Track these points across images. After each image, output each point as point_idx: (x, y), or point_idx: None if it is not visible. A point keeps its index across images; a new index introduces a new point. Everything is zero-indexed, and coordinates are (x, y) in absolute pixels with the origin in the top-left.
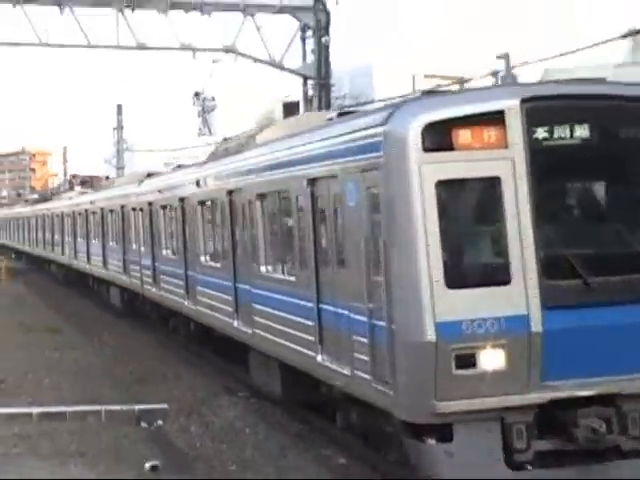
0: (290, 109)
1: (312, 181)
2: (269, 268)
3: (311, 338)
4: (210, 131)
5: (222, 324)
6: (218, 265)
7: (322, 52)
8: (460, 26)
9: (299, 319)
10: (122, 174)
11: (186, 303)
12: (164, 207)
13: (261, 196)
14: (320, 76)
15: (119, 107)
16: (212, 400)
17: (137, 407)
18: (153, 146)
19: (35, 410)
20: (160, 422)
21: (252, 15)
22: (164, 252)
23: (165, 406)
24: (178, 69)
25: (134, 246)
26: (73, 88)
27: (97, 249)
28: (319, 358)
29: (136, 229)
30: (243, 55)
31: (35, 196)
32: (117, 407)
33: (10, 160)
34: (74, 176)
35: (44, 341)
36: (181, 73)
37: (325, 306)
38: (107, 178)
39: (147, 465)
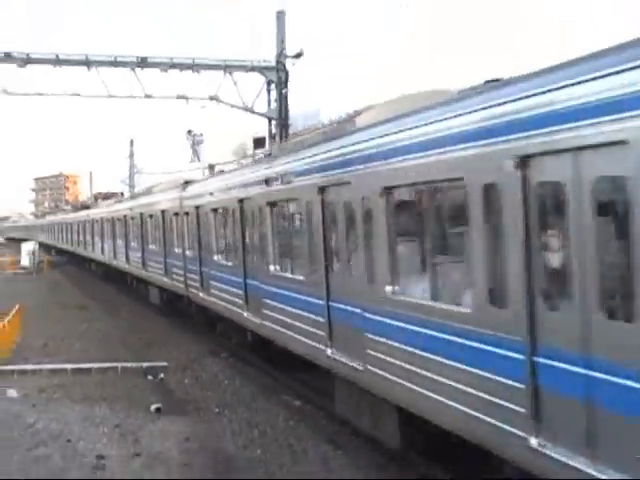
0: (258, 142)
1: (526, 159)
2: (397, 289)
3: (514, 407)
4: (199, 159)
5: (304, 348)
6: (300, 278)
7: (282, 100)
8: (395, 75)
9: (478, 371)
10: (133, 191)
11: (245, 314)
12: (215, 210)
13: (388, 190)
14: (281, 118)
15: (131, 141)
16: (201, 359)
17: (144, 364)
18: (156, 170)
19: (69, 366)
20: (162, 375)
21: (230, 73)
22: (215, 257)
23: (165, 364)
24: (175, 112)
25: (176, 249)
26: (97, 126)
27: (136, 251)
28: (534, 442)
29: (179, 233)
30: (224, 102)
31: (69, 207)
32: (130, 364)
33: (50, 181)
34: (99, 193)
35: (75, 316)
36: (177, 115)
37: (546, 361)
38: (122, 194)
39: (152, 407)
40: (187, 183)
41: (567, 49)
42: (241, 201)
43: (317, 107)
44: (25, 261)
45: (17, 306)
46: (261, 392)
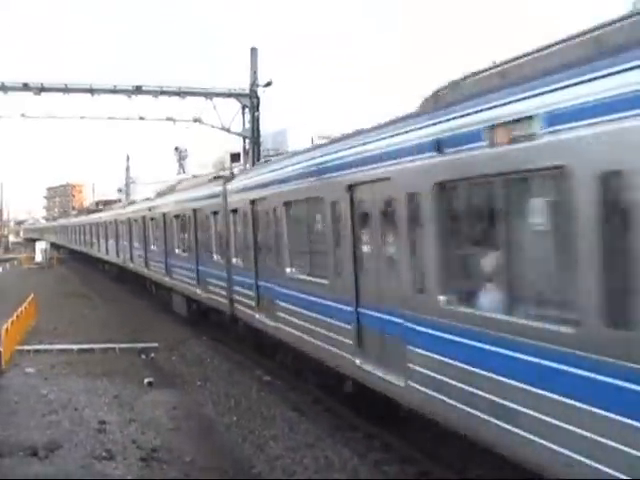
0: (234, 157)
1: None
2: None
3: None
4: (184, 171)
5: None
6: (538, 327)
7: (254, 122)
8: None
9: None
10: (129, 199)
11: (358, 362)
12: (288, 204)
13: None
14: (253, 137)
15: (127, 156)
16: (186, 341)
17: (138, 345)
18: (148, 180)
19: (76, 346)
20: (153, 355)
21: (211, 98)
22: (289, 270)
23: (156, 345)
24: (164, 132)
25: (215, 256)
26: (99, 143)
27: (157, 255)
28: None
29: (220, 235)
30: (205, 123)
31: (75, 212)
32: (126, 345)
33: (59, 190)
34: (100, 200)
35: (79, 304)
36: (166, 134)
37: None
38: (120, 200)
39: (146, 381)
40: (225, 176)
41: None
42: (352, 187)
43: (284, 127)
44: (39, 257)
45: (32, 295)
46: (237, 368)
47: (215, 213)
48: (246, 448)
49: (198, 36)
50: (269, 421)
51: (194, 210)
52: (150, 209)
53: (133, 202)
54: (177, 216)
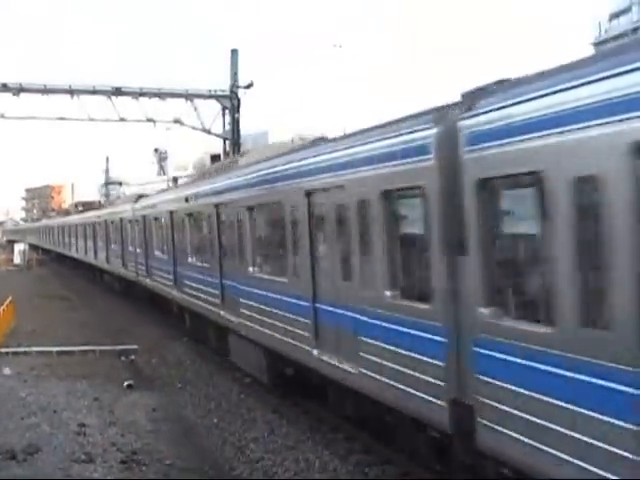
0: (214, 158)
1: None
2: None
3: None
4: (164, 172)
5: None
6: None
7: (235, 123)
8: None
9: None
10: (109, 200)
11: None
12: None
13: None
14: (234, 138)
15: (107, 157)
16: (166, 343)
17: (118, 347)
18: (128, 181)
19: (55, 349)
20: (133, 357)
21: (191, 100)
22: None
23: (136, 347)
24: (144, 133)
25: (395, 293)
26: (79, 144)
27: (201, 272)
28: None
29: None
30: (185, 125)
31: (54, 213)
32: (106, 347)
33: (39, 191)
34: (79, 201)
35: (58, 305)
36: (146, 135)
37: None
38: (100, 203)
39: (125, 383)
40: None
41: (543, 43)
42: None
43: (265, 128)
44: (17, 259)
45: (10, 297)
46: (217, 370)
47: (387, 195)
48: (226, 450)
49: (181, 36)
50: (249, 423)
51: (308, 194)
52: (188, 199)
53: (141, 195)
54: (251, 208)
